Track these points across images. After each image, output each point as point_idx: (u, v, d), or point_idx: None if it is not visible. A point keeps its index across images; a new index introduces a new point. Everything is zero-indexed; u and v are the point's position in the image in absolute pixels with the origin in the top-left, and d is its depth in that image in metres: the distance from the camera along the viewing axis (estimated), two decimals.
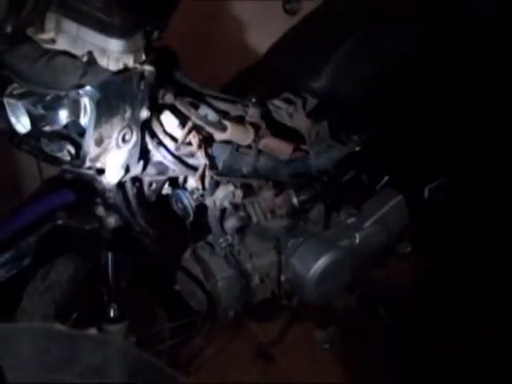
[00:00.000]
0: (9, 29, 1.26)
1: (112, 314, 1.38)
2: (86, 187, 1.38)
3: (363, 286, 1.66)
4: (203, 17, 1.98)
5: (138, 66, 1.23)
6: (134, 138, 1.28)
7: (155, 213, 1.47)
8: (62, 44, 1.23)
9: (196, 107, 1.40)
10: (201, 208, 1.52)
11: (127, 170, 1.30)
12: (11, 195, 1.65)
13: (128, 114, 1.25)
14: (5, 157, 1.61)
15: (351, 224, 1.67)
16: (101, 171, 1.27)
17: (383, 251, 1.68)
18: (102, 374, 0.55)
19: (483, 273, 1.95)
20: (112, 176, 1.28)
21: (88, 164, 1.23)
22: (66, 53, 1.23)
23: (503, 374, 1.74)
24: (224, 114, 1.44)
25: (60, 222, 1.32)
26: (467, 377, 1.74)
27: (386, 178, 1.73)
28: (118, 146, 1.26)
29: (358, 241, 1.66)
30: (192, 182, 1.47)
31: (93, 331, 0.54)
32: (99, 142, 1.22)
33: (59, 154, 1.28)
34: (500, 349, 1.78)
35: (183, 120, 1.37)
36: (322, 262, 1.60)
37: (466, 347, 1.80)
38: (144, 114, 1.27)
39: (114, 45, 1.19)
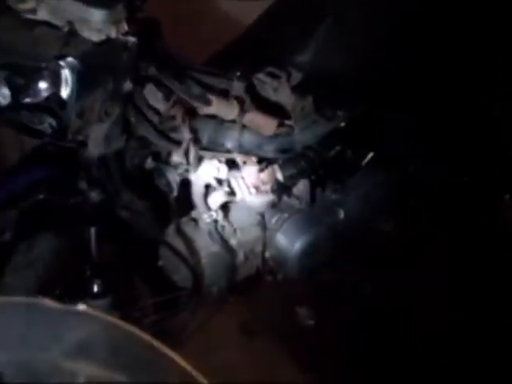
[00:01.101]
0: None
1: (95, 290, 1.37)
2: (68, 160, 1.37)
3: (346, 262, 1.66)
4: None
5: (120, 36, 1.21)
6: (116, 110, 1.26)
7: (138, 187, 1.46)
8: (42, 14, 1.21)
9: (180, 80, 1.39)
10: (184, 183, 1.50)
11: (109, 143, 1.29)
12: None
13: (110, 86, 1.23)
14: None
15: (335, 200, 1.66)
16: (83, 144, 1.25)
17: (367, 227, 1.68)
18: (87, 351, 0.53)
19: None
20: (94, 149, 1.27)
21: (69, 137, 1.21)
22: (46, 23, 1.21)
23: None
24: (208, 88, 1.43)
25: (42, 196, 1.30)
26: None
27: (371, 153, 1.72)
28: (100, 118, 1.24)
29: (342, 216, 1.65)
30: (176, 157, 1.46)
31: (82, 306, 0.52)
32: (81, 115, 1.21)
33: (40, 127, 1.26)
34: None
35: (167, 93, 1.36)
36: (306, 238, 1.60)
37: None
38: (127, 86, 1.26)
39: (96, 15, 1.18)
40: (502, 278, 1.92)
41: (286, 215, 1.62)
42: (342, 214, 1.65)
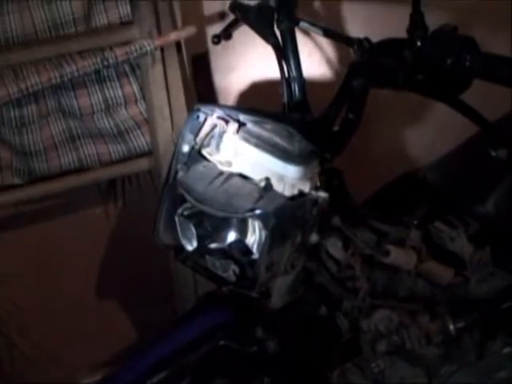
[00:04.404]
0: (185, 148, 1.29)
1: None
2: (243, 305, 1.37)
3: None
4: None
5: (313, 192, 1.21)
6: (301, 262, 1.25)
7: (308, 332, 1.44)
8: (238, 167, 1.24)
9: (359, 229, 1.38)
10: (354, 329, 1.47)
11: (292, 294, 1.28)
12: (165, 305, 1.67)
13: (298, 239, 1.23)
14: (164, 268, 1.63)
15: (508, 354, 1.57)
16: (266, 294, 1.25)
17: None
18: None
19: None
20: (278, 301, 1.26)
21: (257, 288, 1.21)
22: (240, 175, 1.24)
23: None
24: (384, 236, 1.41)
25: (222, 343, 1.30)
26: None
27: None
28: (286, 271, 1.24)
29: None
30: (347, 304, 1.43)
31: None
32: (270, 267, 1.20)
33: (225, 275, 1.27)
34: None
35: (346, 242, 1.35)
36: None
37: None
38: (313, 238, 1.25)
39: (292, 171, 1.19)
40: None
41: (454, 368, 1.55)
42: None
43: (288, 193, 1.20)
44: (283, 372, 1.35)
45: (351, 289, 1.39)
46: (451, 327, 1.50)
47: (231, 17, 1.61)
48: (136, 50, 1.51)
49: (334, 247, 1.34)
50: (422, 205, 1.57)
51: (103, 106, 1.59)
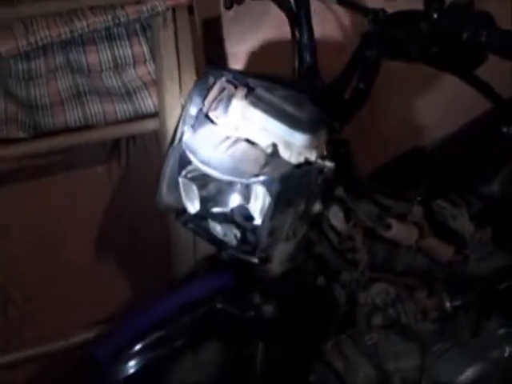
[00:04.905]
0: (193, 110, 1.28)
1: None
2: (242, 270, 1.37)
3: None
4: None
5: (319, 161, 1.21)
6: (303, 230, 1.25)
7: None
8: (244, 132, 1.23)
9: (361, 201, 1.37)
10: (350, 301, 1.48)
11: (292, 261, 1.28)
12: (163, 268, 1.67)
13: (302, 207, 1.23)
14: (164, 231, 1.63)
15: (502, 335, 1.58)
16: (266, 260, 1.25)
17: None
18: None
19: None
20: (277, 267, 1.26)
21: (258, 254, 1.21)
22: (247, 140, 1.23)
23: None
24: (386, 210, 1.41)
25: (219, 306, 1.31)
26: None
27: None
28: (287, 237, 1.23)
29: (507, 354, 1.57)
30: (345, 276, 1.43)
31: None
32: (272, 234, 1.20)
33: (226, 239, 1.27)
34: None
35: (348, 214, 1.35)
36: (468, 373, 1.53)
37: None
38: (317, 207, 1.25)
39: (300, 139, 1.18)
40: None
41: (448, 345, 1.56)
42: (507, 352, 1.57)
43: (294, 160, 1.19)
44: (278, 338, 1.35)
45: (351, 260, 1.39)
46: (447, 304, 1.50)
47: None
48: (147, 10, 1.50)
49: (336, 218, 1.34)
50: (427, 181, 1.56)
51: (112, 65, 1.57)
